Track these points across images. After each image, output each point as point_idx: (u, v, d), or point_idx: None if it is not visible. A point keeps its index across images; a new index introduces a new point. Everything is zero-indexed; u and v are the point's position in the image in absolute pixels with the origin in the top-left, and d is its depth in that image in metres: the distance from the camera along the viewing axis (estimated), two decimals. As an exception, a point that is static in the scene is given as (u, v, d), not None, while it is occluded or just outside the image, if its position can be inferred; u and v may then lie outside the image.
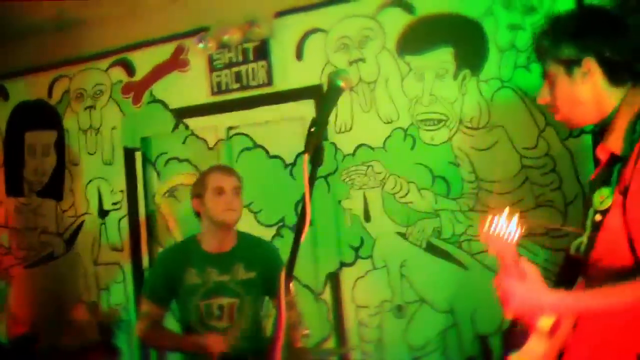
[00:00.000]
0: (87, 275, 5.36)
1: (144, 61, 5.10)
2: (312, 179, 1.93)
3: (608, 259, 2.11)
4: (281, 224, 4.72)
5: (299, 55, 4.61)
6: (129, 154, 5.17)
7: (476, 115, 4.16)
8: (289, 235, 4.67)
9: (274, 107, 4.68)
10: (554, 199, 4.00)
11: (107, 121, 5.28)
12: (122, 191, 5.20)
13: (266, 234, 4.70)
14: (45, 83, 5.49)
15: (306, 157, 1.91)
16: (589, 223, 2.14)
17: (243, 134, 4.85)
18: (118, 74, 5.21)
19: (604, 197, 2.10)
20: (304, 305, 4.42)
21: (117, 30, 5.12)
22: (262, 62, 4.66)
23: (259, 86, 4.70)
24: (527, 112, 4.04)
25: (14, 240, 5.65)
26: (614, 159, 2.14)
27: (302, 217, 1.90)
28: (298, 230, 1.91)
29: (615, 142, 2.14)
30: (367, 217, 4.42)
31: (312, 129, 1.94)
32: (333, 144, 4.47)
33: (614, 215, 2.08)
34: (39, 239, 5.54)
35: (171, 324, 3.85)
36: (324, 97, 2.03)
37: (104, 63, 5.26)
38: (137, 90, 5.13)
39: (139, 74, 5.13)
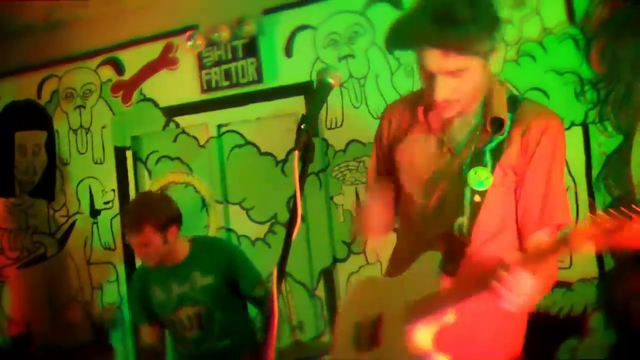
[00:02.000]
0: (80, 274, 5.36)
1: (134, 60, 5.08)
2: (303, 175, 1.93)
3: (490, 245, 2.21)
4: (273, 220, 4.73)
5: (289, 52, 4.61)
6: (119, 153, 5.16)
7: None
8: (282, 232, 4.59)
9: (264, 103, 4.67)
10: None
11: (97, 120, 5.26)
12: (113, 190, 5.19)
13: (259, 231, 4.73)
14: (34, 83, 5.46)
15: (296, 154, 1.91)
16: (467, 203, 2.18)
17: (234, 131, 4.85)
18: (107, 72, 5.20)
19: (482, 177, 2.16)
20: (298, 302, 4.43)
21: (106, 29, 5.10)
22: (252, 59, 4.65)
23: (248, 83, 4.68)
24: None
25: (5, 241, 5.63)
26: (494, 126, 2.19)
27: (293, 214, 1.91)
28: (289, 227, 1.91)
29: (499, 109, 2.21)
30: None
31: (302, 126, 1.94)
32: (324, 140, 4.48)
33: (494, 195, 2.18)
34: (31, 239, 5.53)
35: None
36: (313, 94, 2.03)
37: (93, 62, 5.24)
38: (126, 89, 5.11)
39: (129, 73, 5.11)
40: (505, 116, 2.20)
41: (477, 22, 2.05)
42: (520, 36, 4.03)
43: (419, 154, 2.34)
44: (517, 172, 2.20)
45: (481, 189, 2.16)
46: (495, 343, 2.25)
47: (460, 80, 2.11)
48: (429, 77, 2.14)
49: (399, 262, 2.39)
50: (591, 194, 3.92)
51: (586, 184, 3.93)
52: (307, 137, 1.94)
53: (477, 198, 2.16)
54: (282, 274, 1.91)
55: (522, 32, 4.04)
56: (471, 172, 2.17)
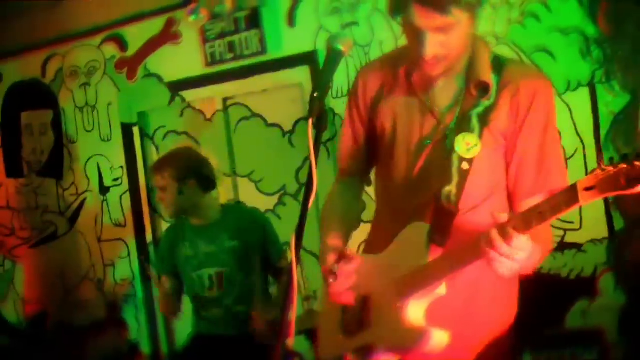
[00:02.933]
0: (91, 252, 5.39)
1: (137, 36, 5.07)
2: (317, 144, 1.94)
3: (480, 211, 2.14)
4: (282, 192, 4.74)
5: (292, 21, 4.58)
6: (126, 130, 5.17)
7: (472, 73, 4.14)
8: (291, 203, 4.69)
9: (269, 75, 4.66)
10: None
11: (103, 97, 5.27)
12: (121, 167, 5.21)
13: (268, 202, 4.73)
14: (38, 62, 5.47)
15: (310, 122, 1.91)
16: (454, 171, 2.09)
17: (240, 103, 4.85)
18: (111, 49, 5.19)
19: (470, 144, 2.08)
20: (309, 271, 4.45)
21: (108, 6, 5.09)
22: (255, 31, 4.63)
23: (252, 55, 4.67)
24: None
25: (16, 221, 5.66)
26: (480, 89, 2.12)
27: (309, 183, 1.90)
28: (305, 196, 1.91)
29: (483, 72, 2.13)
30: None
31: (315, 94, 1.94)
32: (331, 109, 4.46)
33: (482, 161, 2.10)
34: (41, 219, 5.56)
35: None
36: (324, 61, 2.03)
37: (97, 39, 5.24)
38: (131, 65, 5.11)
39: (132, 49, 5.11)
40: (490, 79, 2.11)
41: None
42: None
43: (401, 118, 2.25)
44: (506, 136, 2.12)
45: (469, 156, 2.08)
46: (490, 311, 2.20)
47: (448, 36, 2.01)
48: (416, 34, 2.02)
49: (381, 239, 2.31)
50: (600, 154, 3.92)
51: (594, 144, 3.93)
52: (320, 105, 1.94)
53: (465, 165, 2.08)
54: (299, 242, 1.91)
55: (527, -9, 4.02)
56: (459, 138, 2.09)
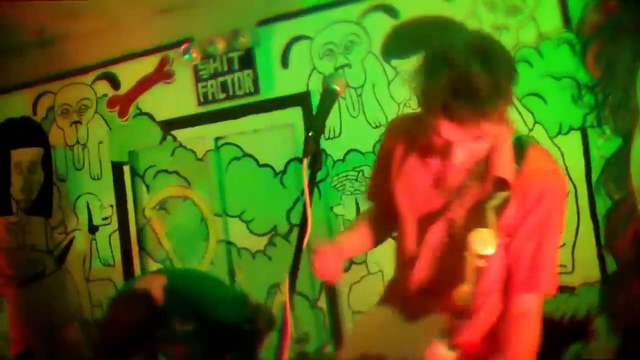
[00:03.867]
0: (79, 292, 5.32)
1: (129, 74, 5.08)
2: (312, 183, 1.93)
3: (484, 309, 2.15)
4: (273, 232, 4.71)
5: (285, 62, 4.61)
6: (117, 168, 5.14)
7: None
8: (282, 244, 4.66)
9: (262, 115, 4.67)
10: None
11: (94, 136, 5.25)
12: (111, 206, 5.17)
13: (258, 243, 4.71)
14: (29, 99, 5.45)
15: (305, 161, 1.91)
16: (469, 269, 1.97)
17: (232, 143, 4.84)
18: (103, 87, 5.19)
19: (488, 241, 1.95)
20: (300, 314, 4.41)
21: (100, 44, 5.09)
22: (248, 71, 4.65)
23: (245, 95, 4.69)
24: (514, 111, 4.02)
25: (3, 259, 5.59)
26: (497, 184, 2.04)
27: (303, 222, 1.90)
28: (300, 235, 1.91)
29: (504, 168, 2.03)
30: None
31: (310, 134, 1.94)
32: (323, 150, 4.46)
33: (495, 259, 2.01)
34: (28, 257, 5.50)
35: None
36: (319, 101, 2.03)
37: (89, 77, 5.23)
38: (122, 103, 5.10)
39: (124, 87, 5.11)
40: (511, 176, 2.02)
41: (498, 89, 1.84)
42: (517, 42, 4.04)
43: (414, 185, 2.18)
44: (509, 231, 2.06)
45: (486, 253, 1.95)
46: None
47: (478, 144, 1.95)
48: (443, 143, 1.96)
49: (393, 296, 2.33)
50: (591, 198, 3.93)
51: (586, 188, 3.94)
52: (314, 144, 1.94)
53: (482, 263, 1.96)
54: (294, 282, 1.89)
55: (518, 37, 4.05)
56: (475, 235, 1.95)
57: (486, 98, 1.82)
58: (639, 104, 3.83)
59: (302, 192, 4.44)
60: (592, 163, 3.93)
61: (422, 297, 2.17)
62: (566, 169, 3.93)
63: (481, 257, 1.95)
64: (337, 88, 2.02)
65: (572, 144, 3.95)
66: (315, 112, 1.99)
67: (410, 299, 2.21)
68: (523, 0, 4.05)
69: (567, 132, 3.96)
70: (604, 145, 3.90)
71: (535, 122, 4.01)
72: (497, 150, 2.02)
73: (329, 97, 2.02)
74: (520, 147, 2.06)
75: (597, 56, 3.90)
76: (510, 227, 2.05)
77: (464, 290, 1.97)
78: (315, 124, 1.97)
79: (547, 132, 3.98)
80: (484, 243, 1.94)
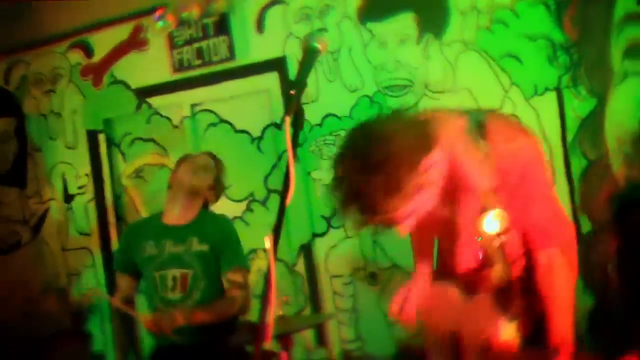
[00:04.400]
0: (56, 261, 5.30)
1: (103, 42, 5.02)
2: (295, 142, 1.92)
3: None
4: (251, 198, 4.71)
5: (260, 27, 4.58)
6: (92, 137, 5.10)
7: (441, 79, 4.17)
8: (260, 210, 4.67)
9: (238, 81, 4.64)
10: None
11: (68, 104, 5.19)
12: (87, 175, 5.14)
13: (236, 209, 4.70)
14: (1, 69, 5.38)
15: (287, 120, 1.89)
16: (492, 250, 2.22)
17: (208, 110, 4.82)
18: (76, 56, 5.12)
19: (498, 219, 2.20)
20: (278, 278, 4.41)
21: (73, 12, 5.01)
22: (223, 37, 4.61)
23: (221, 61, 4.65)
24: (491, 73, 4.07)
25: (-23, 231, 5.55)
26: None
27: (286, 180, 1.89)
28: (283, 194, 1.89)
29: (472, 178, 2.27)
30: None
31: (292, 92, 1.93)
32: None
33: (511, 232, 2.24)
34: (4, 228, 5.45)
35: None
36: (301, 59, 2.01)
37: (62, 46, 5.16)
38: (96, 72, 5.05)
39: (98, 56, 5.04)
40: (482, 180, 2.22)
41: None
42: (493, 3, 4.05)
43: None
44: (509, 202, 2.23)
45: (499, 230, 2.20)
46: None
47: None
48: None
49: (449, 275, 2.46)
50: (567, 159, 3.96)
51: (562, 148, 3.97)
52: (297, 102, 1.93)
53: (501, 240, 2.21)
54: (277, 243, 1.89)
55: (494, -1, 4.06)
56: (484, 219, 2.20)
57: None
58: (614, 65, 3.87)
59: (280, 158, 4.48)
60: (568, 124, 3.95)
61: (472, 277, 2.34)
62: (542, 129, 3.97)
63: (498, 235, 2.18)
64: (319, 46, 2.00)
65: (547, 104, 3.97)
66: (297, 70, 1.98)
67: (463, 278, 2.38)
68: (498, -38, 4.05)
69: (543, 93, 3.97)
70: (579, 106, 3.93)
71: (512, 84, 4.02)
72: (452, 165, 2.20)
73: (311, 55, 2.00)
74: (480, 126, 2.24)
75: (572, 16, 3.91)
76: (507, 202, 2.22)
77: (496, 270, 2.21)
78: (297, 82, 1.95)
79: (523, 93, 4.01)
80: (494, 223, 2.16)
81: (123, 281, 3.76)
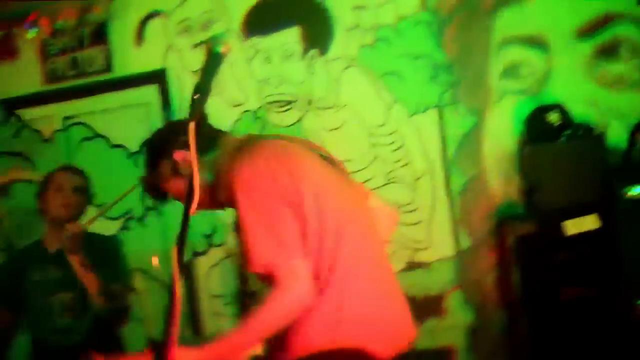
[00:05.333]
0: None
1: (-33, 51, 4.72)
2: (197, 147, 1.84)
3: None
4: (128, 216, 4.53)
5: (140, 39, 4.44)
6: (-49, 150, 4.77)
7: (325, 95, 4.18)
8: (137, 228, 4.52)
9: (115, 93, 4.49)
10: (403, 175, 4.10)
11: None
12: (-56, 188, 4.79)
13: (111, 227, 4.50)
14: None
15: (192, 125, 1.82)
16: None
17: (82, 123, 4.60)
18: (-63, 64, 4.79)
19: None
20: (155, 298, 4.27)
21: None
22: (100, 47, 4.45)
23: (97, 72, 4.49)
24: (374, 90, 4.12)
25: None
26: None
27: (190, 188, 1.82)
28: (187, 202, 1.83)
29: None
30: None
31: (196, 97, 1.86)
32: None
33: None
34: None
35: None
36: (204, 64, 1.94)
37: None
38: (-40, 81, 4.74)
39: (-37, 65, 4.74)
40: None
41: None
42: (376, 21, 4.11)
43: None
44: None
45: None
46: None
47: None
48: None
49: None
50: (447, 176, 4.06)
51: (442, 165, 4.06)
52: (200, 108, 1.86)
53: None
54: (182, 253, 1.80)
55: (377, 17, 4.12)
56: None
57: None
58: (491, 83, 4.01)
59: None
60: (448, 141, 4.06)
61: None
62: (423, 146, 4.05)
63: None
64: (222, 49, 1.93)
65: (428, 122, 4.07)
66: (200, 74, 1.90)
67: None
68: (382, -19, 4.12)
69: (424, 111, 4.07)
70: (459, 123, 4.05)
71: (395, 101, 4.09)
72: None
73: (214, 59, 1.93)
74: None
75: (452, 36, 4.04)
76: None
77: None
78: (201, 87, 1.88)
79: (405, 110, 4.08)
80: None
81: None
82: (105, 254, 3.49)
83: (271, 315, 2.01)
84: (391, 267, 2.29)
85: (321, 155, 2.30)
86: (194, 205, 1.83)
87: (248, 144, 2.23)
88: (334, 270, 2.05)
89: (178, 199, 2.31)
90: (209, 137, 2.24)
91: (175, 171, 2.30)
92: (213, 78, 1.94)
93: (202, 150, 1.94)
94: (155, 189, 2.42)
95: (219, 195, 2.21)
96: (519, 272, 3.72)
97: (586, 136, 3.59)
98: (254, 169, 2.11)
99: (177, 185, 2.29)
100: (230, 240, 4.29)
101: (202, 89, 1.88)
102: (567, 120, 3.65)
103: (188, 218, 1.85)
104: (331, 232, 2.07)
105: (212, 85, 1.92)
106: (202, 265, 4.41)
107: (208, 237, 4.37)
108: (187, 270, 4.40)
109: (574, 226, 3.35)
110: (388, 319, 2.13)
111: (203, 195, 1.92)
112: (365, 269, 2.12)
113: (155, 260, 3.91)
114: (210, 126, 2.29)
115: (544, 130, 3.66)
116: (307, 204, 2.05)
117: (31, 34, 4.41)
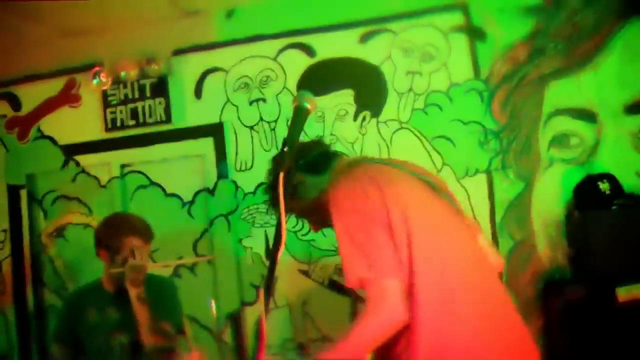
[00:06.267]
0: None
1: (31, 95, 4.87)
2: (285, 197, 1.95)
3: None
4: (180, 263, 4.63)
5: (198, 93, 4.60)
6: (13, 192, 4.91)
7: (376, 155, 4.29)
8: (187, 275, 4.59)
9: (172, 144, 4.62)
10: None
11: (-10, 157, 5.00)
12: (4, 230, 4.91)
13: (163, 274, 4.59)
14: None
15: (282, 175, 1.94)
16: None
17: (138, 171, 4.74)
18: (2, 108, 4.96)
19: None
20: (204, 347, 4.34)
21: (1, 63, 4.89)
22: (160, 99, 4.60)
23: (156, 123, 4.62)
24: (424, 152, 4.23)
25: None
26: None
27: (277, 235, 1.92)
28: (274, 248, 1.92)
29: None
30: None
31: (285, 149, 1.98)
32: (234, 182, 4.48)
33: None
34: None
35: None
36: (292, 118, 2.07)
37: (-13, 97, 5.01)
38: (22, 125, 4.90)
39: (26, 109, 4.91)
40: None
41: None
42: (429, 87, 4.24)
43: None
44: None
45: None
46: None
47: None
48: None
49: None
50: (495, 239, 4.13)
51: (490, 228, 4.14)
52: (289, 158, 1.98)
53: None
54: (268, 294, 1.90)
55: (430, 83, 4.25)
56: None
57: None
58: (540, 151, 4.11)
59: (211, 223, 4.42)
60: (496, 205, 4.15)
61: None
62: (472, 209, 4.13)
63: None
64: (308, 106, 2.06)
65: (477, 185, 4.17)
66: (288, 128, 2.03)
67: None
68: (436, 48, 4.27)
69: (474, 174, 4.17)
70: (507, 188, 4.14)
71: (444, 164, 4.20)
72: None
73: (301, 114, 2.06)
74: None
75: (503, 104, 4.16)
76: None
77: None
78: (290, 140, 2.00)
79: (454, 173, 4.18)
80: None
81: (60, 353, 3.57)
82: (161, 294, 3.55)
83: (361, 335, 2.11)
84: (509, 299, 2.33)
85: (429, 183, 2.41)
86: (281, 248, 1.93)
87: (351, 166, 2.38)
88: (430, 292, 2.12)
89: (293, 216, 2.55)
90: (324, 159, 2.45)
91: (295, 191, 2.44)
92: (300, 132, 2.07)
93: (316, 171, 2.24)
94: (276, 203, 2.46)
95: (323, 214, 2.33)
96: (567, 337, 3.73)
97: (638, 206, 3.65)
98: (347, 189, 2.26)
99: (291, 204, 2.36)
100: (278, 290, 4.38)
101: (291, 143, 2.01)
102: (617, 189, 3.72)
103: (276, 261, 1.94)
104: (423, 252, 2.15)
105: (299, 138, 2.05)
106: (251, 315, 4.46)
107: (257, 287, 4.44)
108: (237, 321, 4.49)
109: (626, 293, 3.38)
110: (497, 350, 2.16)
111: (312, 216, 2.10)
112: (472, 296, 2.17)
113: (212, 305, 3.98)
114: (327, 148, 2.52)
115: (595, 198, 3.73)
116: (395, 224, 2.15)
117: (94, 83, 4.58)
